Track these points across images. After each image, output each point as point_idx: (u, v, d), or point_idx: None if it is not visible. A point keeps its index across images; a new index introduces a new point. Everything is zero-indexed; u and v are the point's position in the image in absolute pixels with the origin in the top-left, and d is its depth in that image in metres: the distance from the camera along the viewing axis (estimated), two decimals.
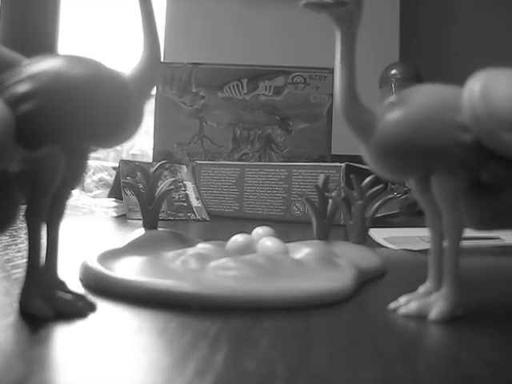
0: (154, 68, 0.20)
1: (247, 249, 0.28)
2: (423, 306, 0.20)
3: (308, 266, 0.25)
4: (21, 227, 0.41)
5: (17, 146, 0.17)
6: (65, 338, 0.16)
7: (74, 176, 0.19)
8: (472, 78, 0.19)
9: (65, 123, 0.18)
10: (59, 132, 0.18)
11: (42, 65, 0.18)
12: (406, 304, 0.21)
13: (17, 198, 0.19)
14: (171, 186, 0.33)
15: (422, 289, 0.21)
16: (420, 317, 0.20)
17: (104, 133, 0.19)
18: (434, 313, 0.20)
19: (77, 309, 0.19)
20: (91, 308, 0.19)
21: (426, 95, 0.20)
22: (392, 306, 0.21)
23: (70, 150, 0.18)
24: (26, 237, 0.19)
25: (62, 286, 0.20)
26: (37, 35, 1.52)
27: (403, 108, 0.20)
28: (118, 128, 0.19)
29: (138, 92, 0.19)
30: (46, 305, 0.18)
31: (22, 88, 0.17)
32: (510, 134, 0.18)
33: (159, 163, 0.35)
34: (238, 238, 0.29)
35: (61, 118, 0.17)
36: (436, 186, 0.20)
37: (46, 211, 0.19)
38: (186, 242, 0.31)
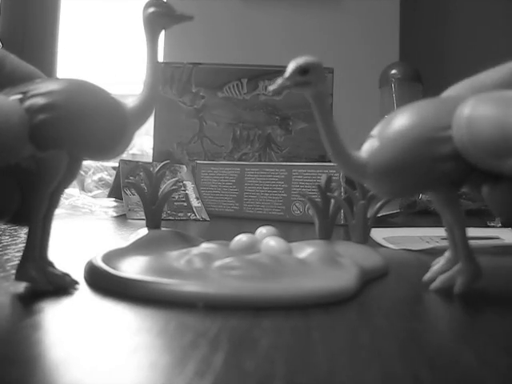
0: (149, 105, 0.24)
1: (251, 248, 0.28)
2: (446, 280, 0.24)
3: (312, 266, 0.25)
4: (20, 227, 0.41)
5: (29, 145, 0.21)
6: (64, 336, 0.16)
7: (69, 177, 0.23)
8: (460, 107, 0.21)
9: (68, 135, 0.21)
10: (63, 141, 0.21)
11: (61, 85, 0.22)
12: (433, 278, 0.25)
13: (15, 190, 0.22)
14: (174, 186, 0.33)
15: (442, 258, 0.25)
16: (446, 289, 0.24)
17: (97, 148, 0.22)
18: (457, 287, 0.23)
19: (65, 282, 0.22)
20: (75, 283, 0.23)
21: (404, 131, 0.22)
22: (426, 277, 0.25)
23: (69, 157, 0.22)
24: (27, 231, 0.22)
25: (52, 265, 0.23)
26: (37, 35, 1.52)
27: (386, 148, 0.22)
28: (110, 147, 0.23)
29: (133, 122, 0.23)
30: (40, 276, 0.22)
31: (43, 101, 0.21)
32: (492, 160, 0.20)
33: (163, 163, 0.35)
34: (241, 238, 0.29)
35: (66, 130, 0.21)
36: (431, 197, 0.23)
37: (45, 203, 0.22)
38: (190, 242, 0.31)
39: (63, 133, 0.21)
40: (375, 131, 0.23)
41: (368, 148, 0.23)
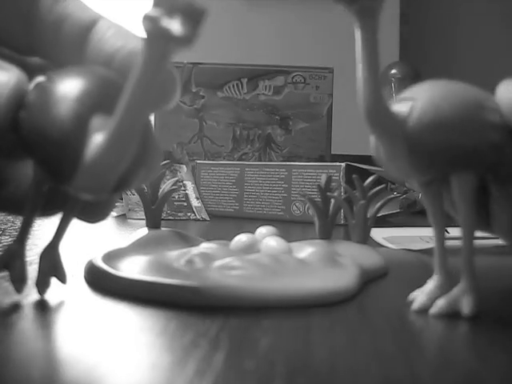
0: None
1: (251, 248, 0.28)
2: (451, 303, 0.20)
3: (312, 266, 0.25)
4: None
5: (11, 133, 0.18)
6: (64, 336, 0.16)
7: None
8: (504, 83, 0.20)
9: None
10: None
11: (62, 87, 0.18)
12: (430, 302, 0.21)
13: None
14: (174, 186, 0.33)
15: (431, 283, 0.21)
16: (451, 314, 0.20)
17: None
18: (467, 309, 0.20)
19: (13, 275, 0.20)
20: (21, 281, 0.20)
21: (454, 93, 0.20)
22: (415, 306, 0.21)
23: None
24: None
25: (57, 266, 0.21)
26: None
27: (432, 108, 0.19)
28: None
29: None
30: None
31: (30, 97, 0.18)
32: None
33: (163, 163, 0.35)
34: (241, 238, 0.29)
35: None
36: (457, 184, 0.20)
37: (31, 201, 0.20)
38: (190, 242, 0.31)
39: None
40: (409, 94, 0.21)
41: (405, 107, 0.20)
